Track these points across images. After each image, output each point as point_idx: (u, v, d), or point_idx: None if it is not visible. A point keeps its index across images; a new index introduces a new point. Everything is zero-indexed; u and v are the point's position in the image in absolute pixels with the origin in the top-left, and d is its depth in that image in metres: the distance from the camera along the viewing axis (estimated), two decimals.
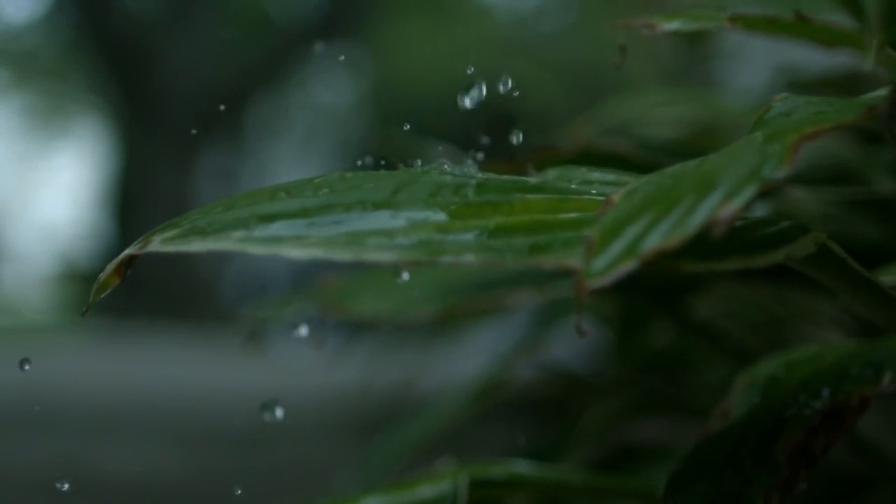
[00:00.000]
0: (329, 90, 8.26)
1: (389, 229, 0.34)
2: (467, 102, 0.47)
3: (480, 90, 0.47)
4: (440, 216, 0.35)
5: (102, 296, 0.36)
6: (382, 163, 0.43)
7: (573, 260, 0.32)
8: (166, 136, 6.57)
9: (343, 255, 0.32)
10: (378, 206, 0.35)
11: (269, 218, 0.34)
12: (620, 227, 0.33)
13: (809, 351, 0.47)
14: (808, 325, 0.73)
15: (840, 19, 0.49)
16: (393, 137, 0.70)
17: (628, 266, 0.31)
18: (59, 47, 8.12)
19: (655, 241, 0.31)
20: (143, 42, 6.69)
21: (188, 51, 6.65)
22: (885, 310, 0.41)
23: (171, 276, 6.26)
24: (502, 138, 0.51)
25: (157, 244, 0.34)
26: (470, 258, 0.33)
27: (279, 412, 0.42)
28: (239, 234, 0.34)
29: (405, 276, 0.63)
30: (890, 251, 0.57)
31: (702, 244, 0.35)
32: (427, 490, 0.51)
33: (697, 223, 0.31)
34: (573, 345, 1.12)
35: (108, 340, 4.34)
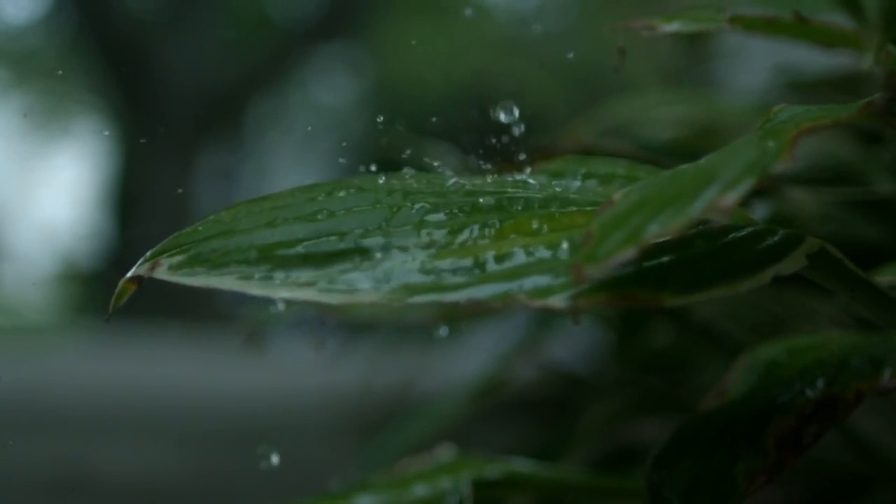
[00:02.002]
0: (329, 90, 8.25)
1: (380, 270, 0.35)
2: (502, 117, 0.49)
3: (513, 111, 0.49)
4: (429, 248, 0.36)
5: (122, 301, 0.38)
6: (374, 168, 0.44)
7: (557, 299, 0.33)
8: (166, 136, 6.56)
9: (334, 299, 0.35)
10: (368, 234, 0.37)
11: (267, 250, 0.37)
12: (620, 221, 0.33)
13: (813, 339, 0.47)
14: (807, 325, 0.73)
15: (840, 19, 0.49)
16: (392, 137, 0.70)
17: (628, 253, 0.31)
18: (59, 47, 8.11)
19: (655, 229, 0.31)
20: (143, 42, 6.69)
21: (188, 51, 6.65)
22: (882, 310, 0.41)
23: None
24: (502, 139, 0.51)
25: (165, 271, 0.37)
26: (453, 298, 0.34)
27: None
28: (239, 271, 0.37)
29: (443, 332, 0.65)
30: (889, 251, 0.57)
31: (685, 272, 0.35)
32: (422, 489, 0.50)
33: (697, 211, 0.31)
34: (573, 345, 1.12)
35: (108, 340, 4.34)
